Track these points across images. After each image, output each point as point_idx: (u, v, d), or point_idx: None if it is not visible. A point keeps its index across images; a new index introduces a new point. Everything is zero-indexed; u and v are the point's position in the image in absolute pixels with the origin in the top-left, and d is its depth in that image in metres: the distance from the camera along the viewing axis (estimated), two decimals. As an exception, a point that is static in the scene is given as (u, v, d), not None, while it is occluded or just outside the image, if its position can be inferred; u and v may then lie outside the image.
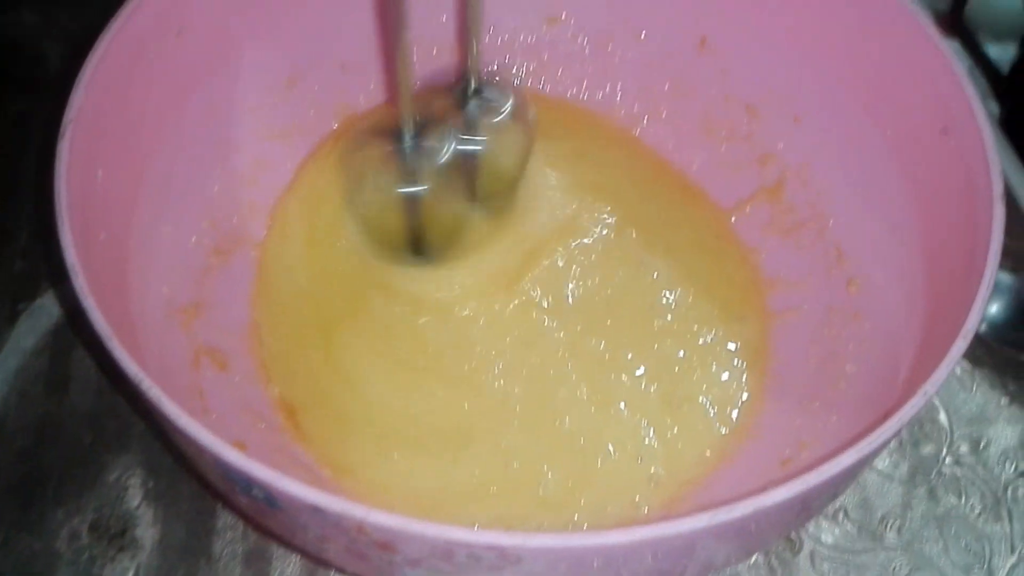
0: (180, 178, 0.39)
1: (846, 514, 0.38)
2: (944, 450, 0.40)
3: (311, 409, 0.39)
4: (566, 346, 0.40)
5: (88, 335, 0.37)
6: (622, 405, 0.39)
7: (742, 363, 0.39)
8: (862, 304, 0.37)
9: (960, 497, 0.38)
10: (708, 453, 0.38)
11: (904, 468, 0.39)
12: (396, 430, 0.38)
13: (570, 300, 0.42)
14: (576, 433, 0.38)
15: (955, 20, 0.51)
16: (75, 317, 0.43)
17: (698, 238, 0.43)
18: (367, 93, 0.46)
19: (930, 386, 0.26)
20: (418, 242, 0.41)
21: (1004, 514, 0.38)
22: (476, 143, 0.39)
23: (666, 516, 0.23)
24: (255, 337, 0.40)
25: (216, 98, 0.40)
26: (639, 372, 0.39)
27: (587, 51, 0.46)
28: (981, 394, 0.41)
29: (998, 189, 0.30)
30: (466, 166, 0.40)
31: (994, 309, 0.43)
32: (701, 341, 0.40)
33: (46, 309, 0.44)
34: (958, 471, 0.39)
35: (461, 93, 0.39)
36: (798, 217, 0.41)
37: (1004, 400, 0.41)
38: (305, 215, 0.43)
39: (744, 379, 0.39)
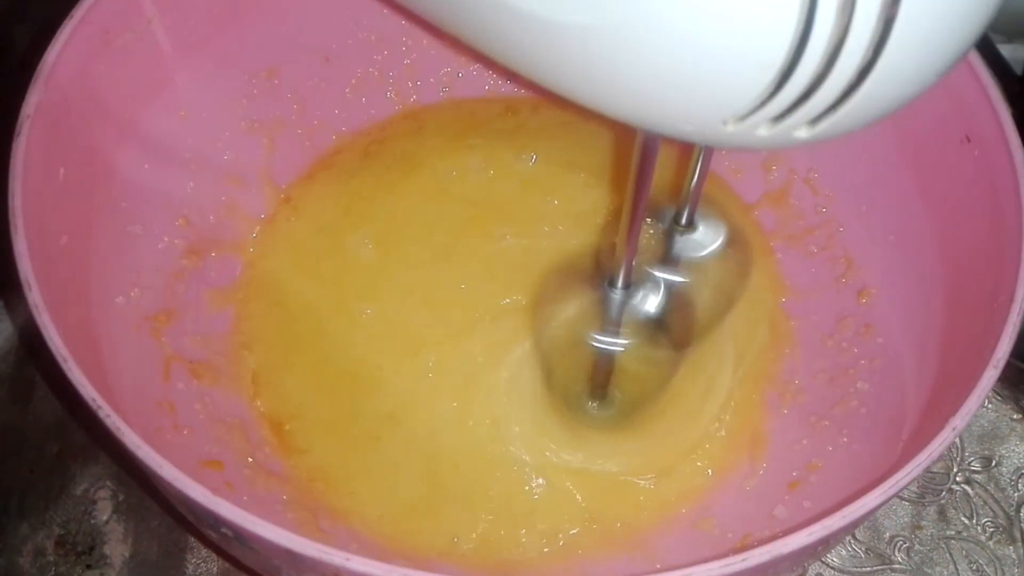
0: (150, 175, 0.37)
1: (854, 535, 0.36)
2: (955, 468, 0.38)
3: (302, 421, 0.37)
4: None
5: (43, 354, 0.35)
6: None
7: (753, 371, 0.38)
8: (874, 317, 0.36)
9: (971, 517, 0.37)
10: (711, 470, 0.36)
11: (913, 486, 0.38)
12: (406, 445, 0.36)
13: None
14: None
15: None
16: (28, 333, 0.41)
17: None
18: (354, 89, 0.44)
19: (959, 420, 0.24)
20: (600, 392, 0.37)
21: (1017, 535, 0.37)
22: (680, 280, 0.35)
23: (678, 565, 0.21)
24: (236, 345, 0.38)
25: (189, 90, 0.38)
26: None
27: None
28: (993, 410, 0.39)
29: (1028, 203, 0.28)
30: (667, 306, 0.35)
31: (1007, 320, 0.41)
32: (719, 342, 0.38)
33: (10, 312, 0.41)
34: (969, 490, 0.37)
35: (669, 224, 0.35)
36: (807, 223, 0.39)
37: (1017, 416, 0.39)
38: (301, 220, 0.42)
39: (754, 390, 0.38)
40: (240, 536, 0.22)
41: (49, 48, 0.30)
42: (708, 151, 0.31)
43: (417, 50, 0.44)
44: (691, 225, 0.34)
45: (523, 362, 0.38)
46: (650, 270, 0.34)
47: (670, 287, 0.35)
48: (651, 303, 0.34)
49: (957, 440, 0.39)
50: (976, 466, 0.38)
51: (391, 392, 0.38)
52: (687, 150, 0.32)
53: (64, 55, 0.31)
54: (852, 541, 0.36)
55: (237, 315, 0.39)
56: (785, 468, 0.34)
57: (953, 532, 0.37)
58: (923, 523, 0.37)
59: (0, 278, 0.41)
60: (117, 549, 0.36)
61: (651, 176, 0.26)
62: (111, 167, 0.34)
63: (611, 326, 0.33)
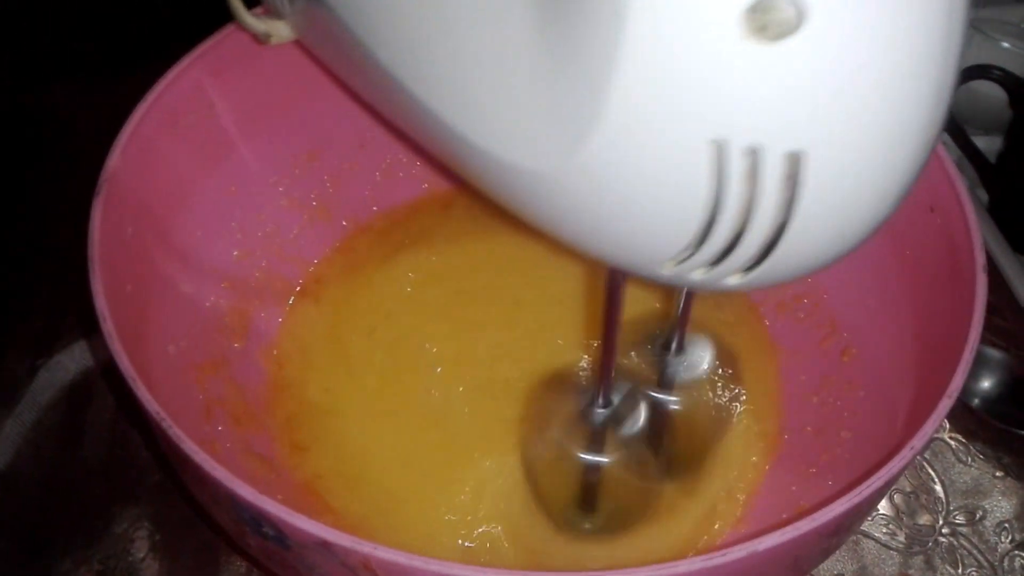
0: (202, 241, 0.41)
1: (844, 582, 0.38)
2: (941, 520, 0.40)
3: (331, 477, 0.39)
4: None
5: (113, 380, 0.39)
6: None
7: (750, 427, 0.40)
8: (856, 373, 0.39)
9: (957, 567, 0.39)
10: (708, 517, 0.38)
11: (901, 537, 0.40)
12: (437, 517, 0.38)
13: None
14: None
15: (944, 112, 0.53)
16: (102, 364, 0.45)
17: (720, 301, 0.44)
18: (383, 171, 0.48)
19: (916, 441, 0.27)
20: (588, 507, 0.37)
21: (1001, 586, 0.38)
22: (671, 401, 0.37)
23: (660, 562, 0.24)
24: (273, 394, 0.41)
25: (240, 168, 0.43)
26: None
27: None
28: (976, 467, 0.42)
29: (981, 261, 0.32)
30: (655, 427, 0.37)
31: (987, 385, 0.44)
32: (718, 401, 0.41)
33: (63, 365, 0.45)
34: (955, 541, 0.40)
35: (659, 347, 0.36)
36: (795, 292, 0.43)
37: (999, 473, 0.42)
38: (329, 292, 0.45)
39: (745, 448, 0.40)
40: (280, 532, 0.25)
41: (126, 123, 0.35)
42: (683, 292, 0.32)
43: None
44: (680, 350, 0.36)
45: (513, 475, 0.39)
46: (641, 391, 0.35)
47: (659, 408, 0.36)
48: (636, 422, 0.35)
49: (942, 495, 0.41)
50: (961, 519, 0.40)
51: (405, 474, 0.40)
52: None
53: (138, 129, 0.35)
54: (843, 587, 0.38)
55: (274, 371, 0.43)
56: (776, 511, 0.36)
57: (940, 581, 0.39)
58: (911, 572, 0.39)
59: (51, 335, 0.46)
60: (152, 584, 0.39)
61: (620, 302, 0.28)
62: (169, 230, 0.39)
63: (595, 443, 0.35)
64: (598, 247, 0.23)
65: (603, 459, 0.35)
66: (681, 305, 0.34)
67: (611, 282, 0.28)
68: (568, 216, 0.22)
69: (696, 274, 0.21)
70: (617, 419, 0.34)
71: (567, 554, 0.37)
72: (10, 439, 0.42)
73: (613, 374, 0.32)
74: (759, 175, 0.19)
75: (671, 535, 0.37)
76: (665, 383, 0.37)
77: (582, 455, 0.35)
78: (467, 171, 0.26)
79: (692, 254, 0.20)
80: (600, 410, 0.34)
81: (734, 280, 0.21)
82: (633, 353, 0.37)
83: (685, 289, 0.32)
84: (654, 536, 0.37)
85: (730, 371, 0.40)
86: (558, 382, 0.39)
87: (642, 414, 0.35)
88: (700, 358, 0.37)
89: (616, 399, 0.34)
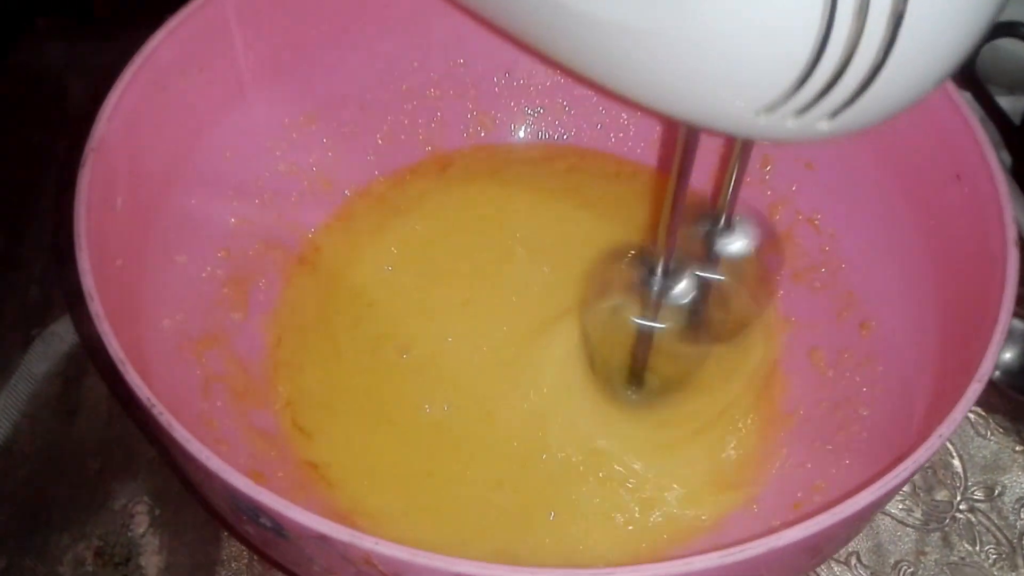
0: (196, 209, 0.39)
1: (859, 559, 0.38)
2: (958, 496, 0.39)
3: (338, 458, 0.38)
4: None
5: (102, 360, 0.38)
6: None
7: (756, 404, 0.39)
8: (875, 347, 0.37)
9: (975, 544, 0.38)
10: (720, 496, 0.37)
11: (918, 514, 0.39)
12: (434, 481, 0.38)
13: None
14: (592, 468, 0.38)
15: (966, 72, 0.51)
16: (90, 343, 0.43)
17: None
18: (384, 134, 0.47)
19: (945, 428, 0.26)
20: (638, 373, 0.39)
21: (1019, 562, 0.38)
22: (715, 277, 0.37)
23: (677, 555, 0.23)
24: (272, 374, 0.40)
25: (234, 133, 0.41)
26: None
27: (601, 95, 0.47)
28: (995, 441, 0.41)
29: (1012, 234, 0.30)
30: (700, 300, 0.38)
31: (1008, 356, 0.43)
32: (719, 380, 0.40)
33: (59, 336, 0.44)
34: (972, 518, 0.39)
35: (709, 224, 0.37)
36: (811, 261, 0.41)
37: (1019, 447, 0.41)
38: (335, 257, 0.44)
39: (757, 422, 0.39)
40: (277, 524, 0.24)
41: (113, 88, 0.33)
42: (743, 162, 0.33)
43: (444, 99, 0.47)
44: (728, 227, 0.37)
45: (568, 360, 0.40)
46: (690, 265, 0.36)
47: (707, 283, 0.37)
48: (688, 292, 0.36)
49: (960, 470, 0.40)
50: (979, 495, 0.39)
51: (428, 423, 0.39)
52: (725, 161, 0.34)
53: (125, 96, 0.34)
54: (858, 565, 0.38)
55: (273, 345, 0.41)
56: (790, 490, 0.35)
57: (957, 558, 0.38)
58: (927, 549, 0.38)
59: (45, 304, 0.45)
60: (152, 560, 0.38)
61: (690, 170, 0.30)
62: (161, 200, 0.37)
63: (650, 310, 0.36)
64: (690, 104, 0.23)
65: (657, 325, 0.36)
66: (731, 184, 0.34)
67: (685, 146, 0.29)
68: (665, 73, 0.23)
69: (787, 122, 0.22)
70: (670, 289, 0.36)
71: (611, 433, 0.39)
72: (5, 411, 0.42)
73: (674, 240, 0.33)
74: (868, 10, 0.19)
75: (713, 405, 0.39)
76: (711, 259, 0.37)
77: (637, 320, 0.36)
78: (561, 43, 0.26)
79: (787, 100, 0.21)
80: (658, 278, 0.35)
81: (823, 126, 0.22)
82: (682, 228, 0.38)
83: (735, 169, 0.33)
84: (694, 407, 0.40)
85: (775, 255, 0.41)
86: (616, 255, 0.40)
87: (692, 287, 0.36)
88: (745, 237, 0.38)
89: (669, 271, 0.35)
